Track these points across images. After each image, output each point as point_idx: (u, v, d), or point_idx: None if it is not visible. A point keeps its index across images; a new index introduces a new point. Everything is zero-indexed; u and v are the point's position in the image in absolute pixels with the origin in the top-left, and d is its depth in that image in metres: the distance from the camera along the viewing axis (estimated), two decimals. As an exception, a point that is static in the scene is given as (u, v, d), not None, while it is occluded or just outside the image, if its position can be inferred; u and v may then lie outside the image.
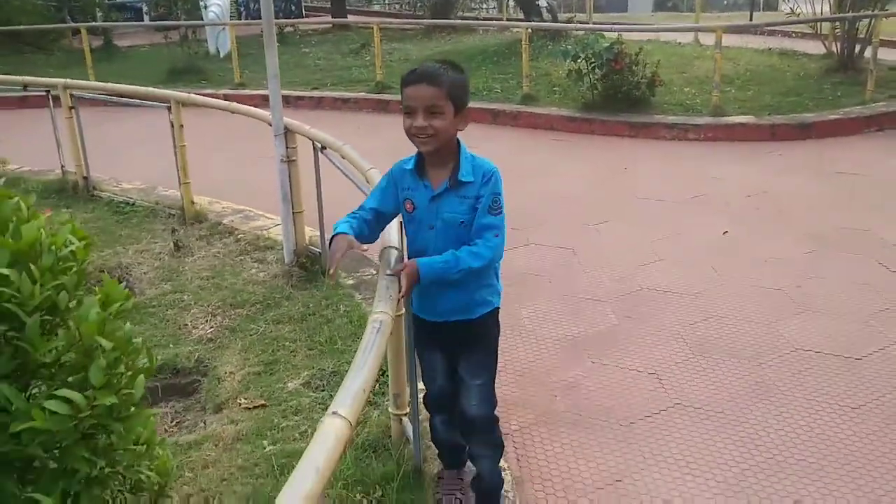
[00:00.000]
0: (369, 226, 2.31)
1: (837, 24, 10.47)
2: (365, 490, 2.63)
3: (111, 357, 1.66)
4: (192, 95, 5.98)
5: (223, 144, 8.20)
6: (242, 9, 20.04)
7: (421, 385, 2.67)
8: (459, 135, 2.26)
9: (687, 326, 4.03)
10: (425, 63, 2.22)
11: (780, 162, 7.35)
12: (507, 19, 18.03)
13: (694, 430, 3.13)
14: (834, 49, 10.50)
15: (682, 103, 9.16)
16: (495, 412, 2.48)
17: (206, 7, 14.53)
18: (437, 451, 2.76)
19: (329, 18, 19.02)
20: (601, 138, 8.61)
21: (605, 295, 4.46)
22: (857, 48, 10.09)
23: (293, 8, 20.74)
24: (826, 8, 11.36)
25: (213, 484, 2.78)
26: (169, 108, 5.61)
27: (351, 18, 18.57)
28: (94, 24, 15.96)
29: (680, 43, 12.73)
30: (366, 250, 2.26)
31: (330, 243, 2.21)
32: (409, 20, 19.32)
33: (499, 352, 2.50)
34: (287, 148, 4.54)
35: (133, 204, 6.26)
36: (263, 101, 8.48)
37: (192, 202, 5.80)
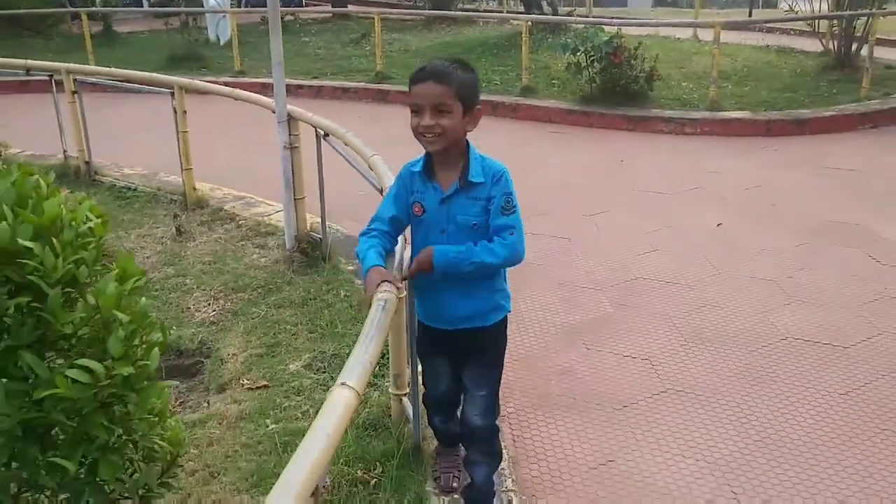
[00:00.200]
0: (391, 239, 2.29)
1: (835, 21, 10.55)
2: (366, 467, 2.72)
3: (128, 330, 1.73)
4: (196, 81, 6.03)
5: (225, 131, 8.25)
6: (242, -4, 20.01)
7: (421, 383, 2.64)
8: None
9: (680, 315, 4.12)
10: (434, 61, 2.17)
11: (775, 157, 7.43)
12: (508, 12, 18.06)
13: (685, 414, 3.22)
14: (831, 47, 10.59)
15: (679, 98, 9.25)
16: (497, 422, 2.46)
17: (206, -6, 14.54)
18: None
19: (329, 8, 19.03)
20: (599, 131, 8.68)
21: (600, 284, 4.54)
22: (854, 46, 10.18)
23: (293, -4, 20.70)
24: (824, 6, 11.44)
25: (217, 460, 2.86)
26: (172, 94, 5.66)
27: (351, 8, 18.57)
28: (93, 9, 15.92)
29: (679, 38, 12.81)
30: (400, 286, 2.17)
31: (364, 275, 2.16)
32: (410, 11, 19.33)
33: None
34: (290, 135, 4.60)
35: (135, 189, 6.31)
36: (263, 89, 8.57)
37: (194, 188, 5.86)
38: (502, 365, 2.45)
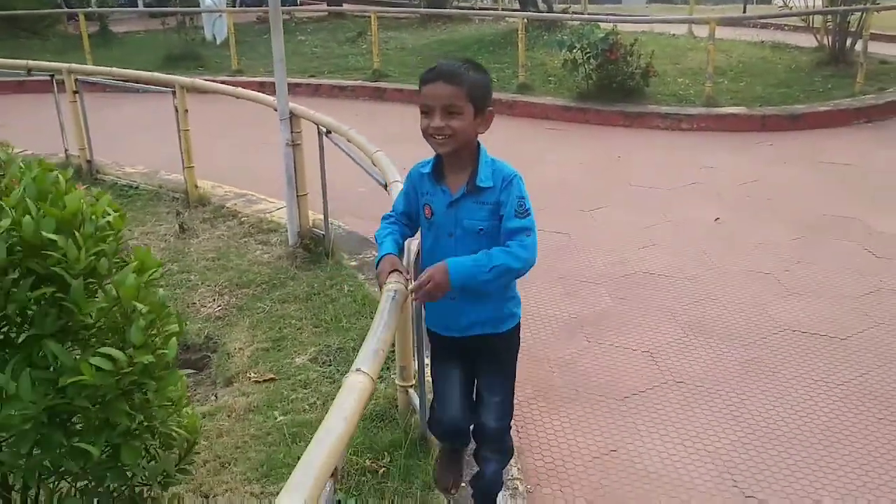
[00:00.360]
0: (409, 229, 2.29)
1: (829, 17, 10.62)
2: (374, 456, 2.78)
3: (148, 319, 1.78)
4: (197, 80, 6.07)
5: (225, 131, 8.29)
6: (237, -5, 20.01)
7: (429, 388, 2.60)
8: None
9: (679, 308, 4.18)
10: (445, 61, 2.12)
11: (770, 152, 7.50)
12: (503, 9, 18.09)
13: (685, 404, 3.28)
14: (825, 42, 10.65)
15: (675, 94, 9.30)
16: (511, 422, 2.42)
17: (202, -7, 14.54)
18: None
19: (325, 6, 19.04)
20: (596, 128, 8.74)
21: (600, 277, 4.60)
22: (849, 41, 10.24)
23: (289, -5, 20.69)
24: (818, 1, 11.51)
25: (228, 451, 2.91)
26: (173, 93, 5.70)
27: (346, 6, 18.59)
28: (89, 9, 15.92)
29: (674, 34, 12.86)
30: (408, 278, 2.14)
31: (377, 262, 2.15)
32: (405, 9, 19.36)
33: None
34: (292, 132, 4.65)
35: (137, 187, 6.35)
36: (261, 88, 8.60)
37: (196, 186, 5.90)
38: (516, 369, 2.40)
